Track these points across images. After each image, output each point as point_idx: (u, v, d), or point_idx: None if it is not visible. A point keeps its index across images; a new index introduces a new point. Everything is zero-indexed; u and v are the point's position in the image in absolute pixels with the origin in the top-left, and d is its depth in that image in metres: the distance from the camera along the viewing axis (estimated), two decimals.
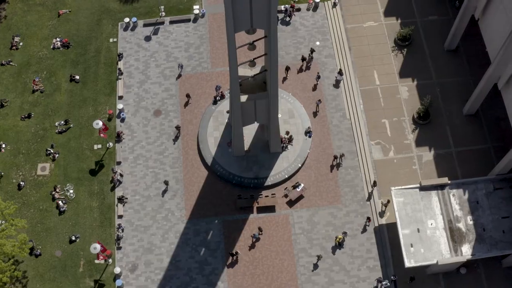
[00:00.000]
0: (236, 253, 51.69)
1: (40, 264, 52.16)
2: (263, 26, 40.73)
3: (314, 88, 58.60)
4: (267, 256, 51.70)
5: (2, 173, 55.84)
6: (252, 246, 52.00)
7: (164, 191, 54.33)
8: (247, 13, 38.93)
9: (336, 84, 58.63)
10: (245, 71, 48.05)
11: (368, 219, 52.50)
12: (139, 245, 52.65)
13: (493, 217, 48.90)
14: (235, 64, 43.25)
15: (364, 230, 52.63)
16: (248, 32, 41.38)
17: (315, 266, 51.21)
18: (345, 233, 51.98)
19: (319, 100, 56.60)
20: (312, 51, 59.25)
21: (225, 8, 38.06)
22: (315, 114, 56.91)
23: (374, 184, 53.38)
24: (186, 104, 57.88)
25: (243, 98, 47.88)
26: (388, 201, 52.93)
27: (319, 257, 51.26)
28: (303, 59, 59.09)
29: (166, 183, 54.21)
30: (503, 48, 47.39)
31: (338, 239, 51.76)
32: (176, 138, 56.32)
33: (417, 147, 55.51)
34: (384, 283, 50.22)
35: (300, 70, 59.46)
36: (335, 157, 54.69)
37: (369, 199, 53.48)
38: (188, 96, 57.71)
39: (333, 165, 54.72)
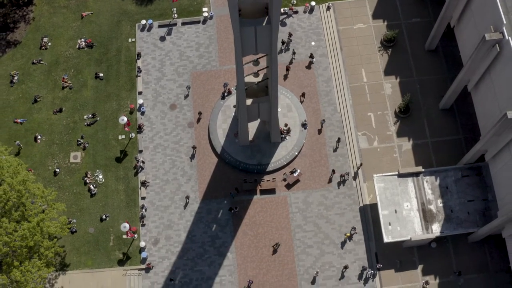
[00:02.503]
0: (236, 207, 58.92)
1: (76, 239, 59.75)
2: (266, 51, 47.43)
3: (291, 62, 64.92)
4: (268, 231, 59.19)
5: (22, 146, 62.19)
6: (255, 223, 59.34)
7: (186, 204, 60.33)
8: (253, 42, 45.48)
9: (309, 66, 64.75)
10: (250, 78, 54.83)
11: (333, 171, 60.07)
12: (160, 222, 59.88)
13: (460, 201, 55.61)
14: (242, 78, 50.04)
15: (330, 181, 59.99)
16: (253, 53, 47.97)
17: (275, 251, 57.92)
18: (353, 228, 58.18)
19: (323, 120, 62.47)
20: (290, 35, 65.29)
21: (235, 39, 44.48)
22: (319, 131, 62.40)
23: (360, 165, 60.31)
24: (199, 120, 63.42)
25: (249, 101, 54.88)
26: (361, 164, 59.91)
27: (277, 244, 57.89)
28: (283, 42, 65.40)
29: (187, 198, 60.29)
30: (472, 57, 52.11)
31: (346, 236, 58.08)
32: (192, 156, 62.09)
33: (398, 138, 61.77)
34: (369, 271, 56.80)
35: (280, 51, 65.53)
36: (342, 176, 60.23)
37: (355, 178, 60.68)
38: (200, 113, 63.16)
39: (340, 182, 60.30)
